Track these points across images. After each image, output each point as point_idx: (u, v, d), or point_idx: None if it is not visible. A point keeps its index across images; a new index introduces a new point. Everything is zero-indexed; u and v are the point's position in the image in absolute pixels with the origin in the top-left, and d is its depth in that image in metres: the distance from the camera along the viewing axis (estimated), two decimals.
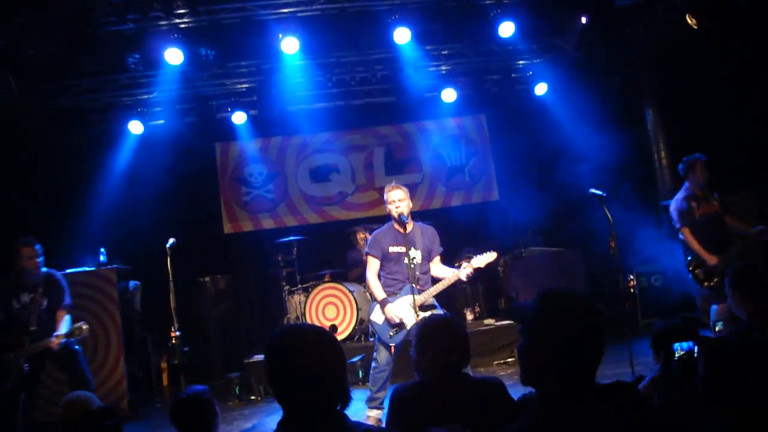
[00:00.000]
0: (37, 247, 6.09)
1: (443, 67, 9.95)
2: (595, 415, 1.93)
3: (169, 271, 6.29)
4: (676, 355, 3.30)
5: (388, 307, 5.76)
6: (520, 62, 10.19)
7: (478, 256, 5.86)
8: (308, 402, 2.03)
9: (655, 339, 3.37)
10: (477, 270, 5.86)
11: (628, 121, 9.76)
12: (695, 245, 6.82)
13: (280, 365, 2.08)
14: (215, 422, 3.35)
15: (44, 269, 6.19)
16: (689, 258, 6.90)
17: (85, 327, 5.94)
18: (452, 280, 5.87)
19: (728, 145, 8.86)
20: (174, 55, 8.10)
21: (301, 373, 2.04)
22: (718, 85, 8.96)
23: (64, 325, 5.99)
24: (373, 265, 5.97)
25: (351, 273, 9.50)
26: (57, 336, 5.84)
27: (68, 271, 7.89)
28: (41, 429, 6.48)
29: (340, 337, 8.68)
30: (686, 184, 6.99)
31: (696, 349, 3.26)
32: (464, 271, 5.77)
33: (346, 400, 2.13)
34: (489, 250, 5.92)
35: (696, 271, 6.76)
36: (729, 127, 8.96)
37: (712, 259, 6.65)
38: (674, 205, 7.01)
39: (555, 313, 2.04)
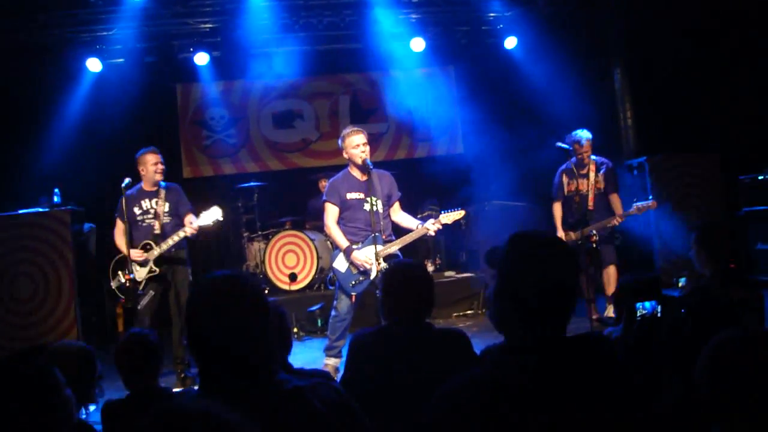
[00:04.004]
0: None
1: (413, 16, 9.75)
2: (562, 367, 1.85)
3: (124, 212, 6.11)
4: (638, 314, 3.28)
5: (355, 254, 5.67)
6: (491, 14, 10.02)
7: (446, 212, 5.78)
8: (224, 367, 1.86)
9: (620, 295, 3.35)
10: (444, 225, 5.81)
11: (596, 79, 9.71)
12: (556, 219, 7.29)
13: (193, 328, 1.91)
14: (157, 365, 3.31)
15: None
16: None
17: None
18: (419, 234, 5.80)
19: (695, 106, 8.88)
20: None
21: (213, 337, 1.86)
22: (687, 45, 8.94)
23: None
24: (332, 213, 5.86)
25: (312, 222, 9.39)
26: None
27: (20, 211, 7.65)
28: None
29: (299, 286, 8.63)
30: (572, 159, 7.25)
31: (659, 309, 3.25)
32: (432, 227, 5.71)
33: (269, 362, 1.97)
34: (454, 205, 5.88)
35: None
36: (696, 89, 8.97)
37: (560, 235, 7.02)
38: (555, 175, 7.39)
39: (528, 255, 1.95)
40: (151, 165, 6.30)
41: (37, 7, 8.39)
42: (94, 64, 9.20)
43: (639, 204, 6.73)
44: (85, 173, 8.85)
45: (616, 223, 6.87)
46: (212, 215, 6.17)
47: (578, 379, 1.82)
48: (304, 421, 1.83)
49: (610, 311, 6.89)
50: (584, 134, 7.05)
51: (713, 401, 1.78)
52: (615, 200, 7.12)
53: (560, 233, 7.10)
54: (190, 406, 1.39)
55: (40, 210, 7.68)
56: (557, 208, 7.30)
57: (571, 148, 7.10)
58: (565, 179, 7.24)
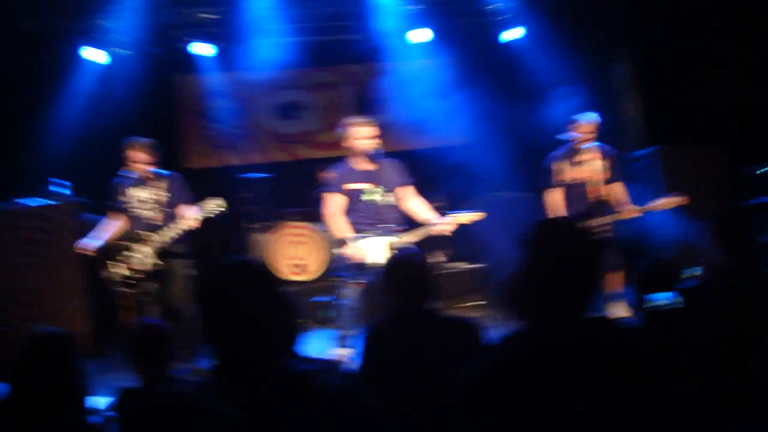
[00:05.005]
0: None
1: (417, 6, 9.71)
2: (579, 348, 1.88)
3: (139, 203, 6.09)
4: (657, 305, 3.27)
5: (351, 245, 5.65)
6: (495, 5, 9.98)
7: (465, 212, 5.75)
8: (241, 349, 1.89)
9: (638, 285, 3.34)
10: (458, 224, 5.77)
11: (600, 71, 9.68)
12: (548, 208, 6.88)
13: (208, 309, 1.93)
14: (168, 354, 3.30)
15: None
16: None
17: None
18: (432, 232, 5.76)
19: (701, 98, 8.84)
20: None
21: (231, 317, 1.89)
22: (695, 35, 8.91)
23: None
24: (329, 202, 5.85)
25: (317, 211, 9.37)
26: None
27: (28, 203, 7.65)
28: None
29: (306, 277, 8.61)
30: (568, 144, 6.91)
31: (678, 300, 3.24)
32: (446, 226, 5.68)
33: (288, 345, 2.01)
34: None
35: None
36: (703, 80, 8.93)
37: None
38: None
39: (553, 241, 1.98)
40: (131, 162, 6.15)
41: None
42: (94, 54, 9.14)
43: (667, 199, 6.41)
44: (88, 165, 8.81)
45: (635, 215, 6.51)
46: (215, 206, 6.02)
47: (595, 361, 1.84)
48: (312, 403, 1.85)
49: (616, 309, 6.69)
50: (592, 116, 6.71)
51: None
52: (621, 189, 6.76)
53: None
54: (182, 394, 1.41)
55: (49, 202, 7.67)
56: (553, 196, 6.90)
57: (571, 135, 6.75)
58: (559, 166, 6.87)
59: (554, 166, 6.90)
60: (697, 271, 5.17)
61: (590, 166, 6.76)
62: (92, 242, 6.19)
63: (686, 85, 8.86)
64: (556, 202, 6.89)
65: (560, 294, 1.94)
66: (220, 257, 7.56)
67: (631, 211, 6.52)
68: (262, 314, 1.91)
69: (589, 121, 6.71)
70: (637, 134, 9.59)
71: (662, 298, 3.31)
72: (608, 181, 6.75)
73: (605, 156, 6.82)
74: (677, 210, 6.60)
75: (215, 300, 1.93)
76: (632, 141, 9.57)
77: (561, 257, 1.95)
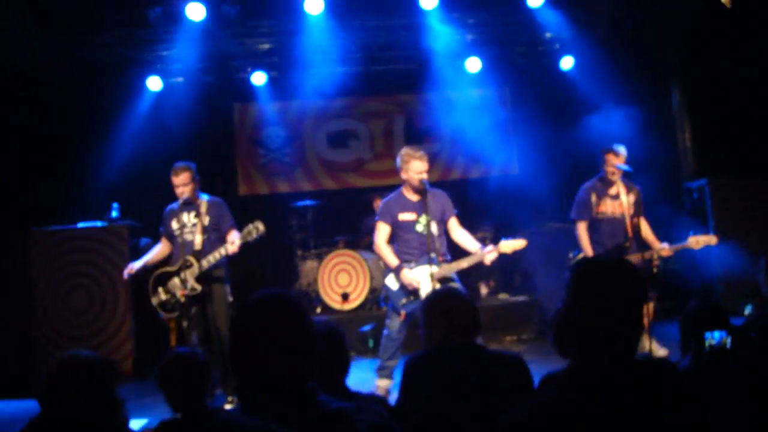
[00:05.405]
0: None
1: (468, 36, 9.73)
2: (630, 390, 1.81)
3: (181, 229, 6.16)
4: (707, 344, 3.15)
5: (405, 273, 5.60)
6: (548, 34, 9.94)
7: (506, 240, 5.63)
8: (268, 385, 1.87)
9: (685, 324, 3.22)
10: (501, 254, 5.67)
11: (653, 100, 9.55)
12: (584, 242, 6.55)
13: (233, 344, 1.93)
14: (203, 385, 3.21)
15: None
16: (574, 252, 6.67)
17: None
18: (475, 261, 5.67)
19: (756, 128, 8.64)
20: (195, 11, 7.99)
21: (250, 355, 1.89)
22: (747, 66, 8.73)
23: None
24: (382, 232, 5.82)
25: (365, 240, 9.40)
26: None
27: (79, 225, 7.83)
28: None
29: (351, 306, 8.61)
30: (598, 174, 6.63)
31: (729, 340, 3.12)
32: (489, 255, 5.58)
33: (332, 378, 1.98)
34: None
35: None
36: (758, 110, 8.74)
37: None
38: (578, 193, 6.69)
39: (595, 279, 1.92)
40: (175, 187, 6.12)
41: (99, 25, 8.58)
42: (154, 83, 9.39)
43: (698, 237, 6.04)
44: (145, 189, 8.99)
45: (666, 254, 6.18)
46: (254, 230, 5.88)
47: (647, 404, 1.78)
48: None
49: (647, 344, 6.43)
50: (623, 148, 6.41)
51: None
52: (646, 225, 6.51)
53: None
54: (249, 423, 1.40)
55: (99, 224, 7.83)
56: (585, 229, 6.60)
57: (620, 166, 6.33)
58: (594, 198, 6.57)
59: (592, 198, 6.62)
60: (749, 309, 5.01)
61: (620, 200, 6.50)
62: (136, 264, 6.28)
63: (741, 115, 8.67)
64: (591, 235, 6.62)
65: (608, 334, 1.88)
66: (259, 287, 7.60)
67: (661, 250, 6.23)
68: (294, 350, 1.89)
69: (625, 152, 6.45)
70: (689, 164, 9.39)
71: (713, 337, 3.19)
72: (632, 216, 6.46)
73: (629, 190, 6.57)
74: (728, 245, 6.35)
75: (246, 334, 1.92)
76: (685, 171, 9.38)
77: (607, 296, 1.89)
